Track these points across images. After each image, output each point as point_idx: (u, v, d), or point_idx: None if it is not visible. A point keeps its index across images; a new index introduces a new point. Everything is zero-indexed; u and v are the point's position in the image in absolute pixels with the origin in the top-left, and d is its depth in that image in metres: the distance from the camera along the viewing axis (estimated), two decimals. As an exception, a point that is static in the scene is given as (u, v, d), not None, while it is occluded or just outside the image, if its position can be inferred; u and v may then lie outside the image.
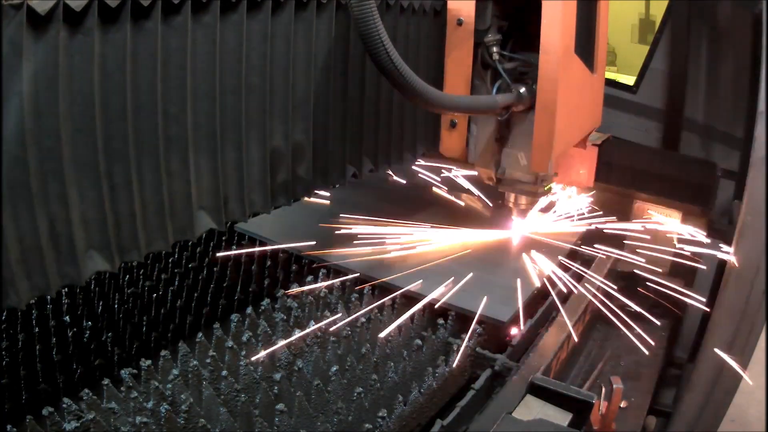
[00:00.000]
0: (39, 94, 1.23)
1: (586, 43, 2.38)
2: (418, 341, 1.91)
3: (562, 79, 2.16)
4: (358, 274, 2.29)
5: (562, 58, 2.14)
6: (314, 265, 2.40)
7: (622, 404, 2.20)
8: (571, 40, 2.20)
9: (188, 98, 1.52)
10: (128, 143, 1.42)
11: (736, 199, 3.08)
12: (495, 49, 2.30)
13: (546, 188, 2.56)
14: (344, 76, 2.03)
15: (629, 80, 4.23)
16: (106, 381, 1.58)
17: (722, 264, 2.78)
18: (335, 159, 2.09)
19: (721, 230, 2.89)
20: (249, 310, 1.98)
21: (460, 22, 2.28)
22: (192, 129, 1.56)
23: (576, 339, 2.35)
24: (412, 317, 2.04)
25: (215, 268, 2.39)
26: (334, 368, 1.71)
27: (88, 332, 1.94)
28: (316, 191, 2.06)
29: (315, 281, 2.24)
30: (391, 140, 2.33)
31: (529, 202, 2.64)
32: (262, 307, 2.05)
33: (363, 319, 2.00)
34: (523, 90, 2.25)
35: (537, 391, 1.79)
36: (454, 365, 1.91)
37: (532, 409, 1.73)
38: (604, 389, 2.10)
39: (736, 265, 2.25)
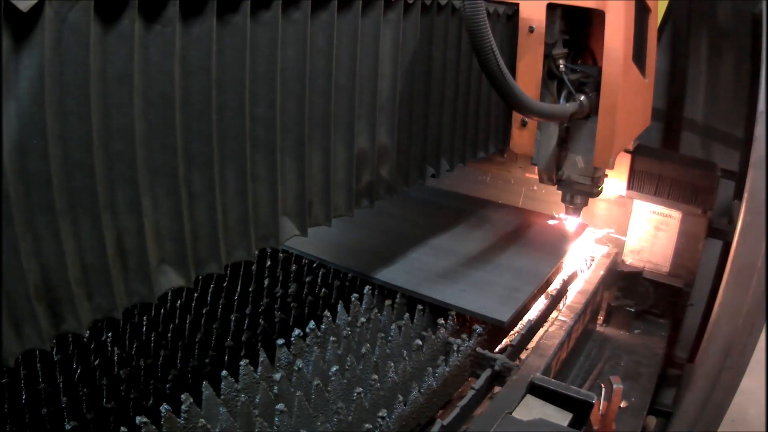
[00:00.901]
0: (108, 91, 1.11)
1: (639, 51, 2.58)
2: (418, 341, 1.91)
3: (622, 84, 2.38)
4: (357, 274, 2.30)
5: (624, 65, 2.35)
6: (314, 265, 2.40)
7: (622, 404, 2.20)
8: (630, 49, 2.40)
9: (277, 98, 1.44)
10: (211, 146, 1.31)
11: (736, 199, 3.08)
12: (562, 61, 2.49)
13: (599, 189, 2.77)
14: (427, 77, 2.04)
15: (629, 80, 4.22)
16: (105, 381, 1.58)
17: (722, 264, 2.79)
18: (416, 159, 2.11)
19: (721, 230, 2.89)
20: (249, 310, 1.98)
21: (531, 30, 2.43)
22: (279, 130, 1.48)
23: (576, 339, 2.35)
24: (412, 317, 2.04)
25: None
26: (334, 368, 1.71)
27: (88, 332, 1.93)
28: (396, 191, 2.05)
29: (315, 281, 2.24)
30: (466, 139, 2.39)
31: (583, 201, 2.83)
32: (262, 307, 2.05)
33: (363, 319, 2.00)
34: (583, 99, 2.45)
35: (537, 391, 1.78)
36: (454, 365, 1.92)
37: (532, 409, 1.73)
38: (604, 389, 2.10)
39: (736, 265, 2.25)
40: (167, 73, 1.19)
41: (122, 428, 1.48)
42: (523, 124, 2.67)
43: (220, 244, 1.40)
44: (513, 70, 2.49)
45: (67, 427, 1.45)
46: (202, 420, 1.48)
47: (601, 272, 2.66)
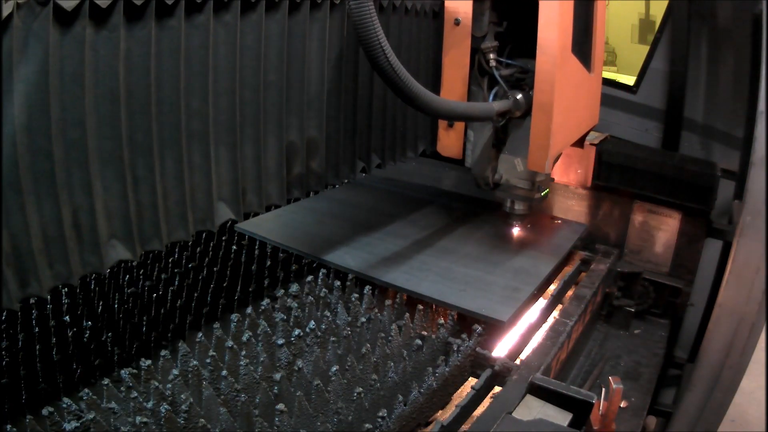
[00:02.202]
0: (65, 88, 1.27)
1: (583, 43, 2.40)
2: (418, 341, 1.91)
3: (559, 78, 2.18)
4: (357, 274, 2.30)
5: (559, 58, 2.16)
6: (314, 265, 2.40)
7: (622, 404, 2.20)
8: (567, 40, 2.22)
9: (210, 94, 1.58)
10: (152, 136, 1.47)
11: (736, 199, 3.08)
12: (492, 55, 2.33)
13: (543, 194, 2.59)
14: (355, 74, 2.10)
15: (629, 80, 4.23)
16: (106, 381, 1.58)
17: (722, 264, 2.78)
18: (346, 154, 2.17)
19: (721, 230, 2.89)
20: (249, 310, 1.98)
21: (457, 22, 2.31)
22: (213, 123, 1.62)
23: (576, 339, 2.35)
24: (412, 317, 2.04)
25: (215, 268, 2.39)
26: (334, 368, 1.71)
27: (88, 332, 1.94)
28: (328, 185, 2.12)
29: (315, 281, 2.24)
30: (396, 137, 2.40)
31: (526, 207, 2.66)
32: (262, 307, 2.05)
33: (363, 319, 2.00)
34: (519, 96, 2.28)
35: (537, 391, 1.79)
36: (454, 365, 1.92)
37: (532, 409, 1.73)
38: (604, 389, 2.10)
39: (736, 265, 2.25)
40: (114, 72, 1.35)
41: (122, 428, 1.48)
42: (450, 125, 2.51)
43: (161, 224, 1.56)
44: (440, 68, 2.39)
45: (67, 427, 1.45)
46: (202, 420, 1.48)
47: (602, 272, 2.66)
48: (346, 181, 2.28)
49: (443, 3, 2.33)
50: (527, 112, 2.29)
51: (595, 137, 2.98)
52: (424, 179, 3.48)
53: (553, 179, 2.59)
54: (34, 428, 1.44)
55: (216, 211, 1.71)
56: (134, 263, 2.32)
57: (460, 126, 2.51)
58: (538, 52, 2.15)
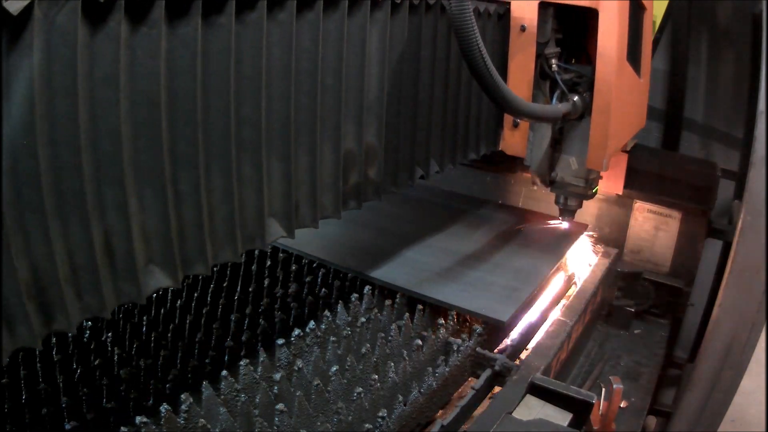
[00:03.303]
0: (95, 92, 1.12)
1: (634, 50, 2.54)
2: (418, 341, 1.91)
3: (616, 83, 2.34)
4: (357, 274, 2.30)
5: (617, 65, 2.31)
6: (314, 265, 2.40)
7: (622, 404, 2.20)
8: (624, 48, 2.36)
9: (262, 99, 1.44)
10: (197, 147, 1.31)
11: (736, 199, 3.08)
12: (554, 61, 2.45)
13: (594, 191, 2.74)
14: (415, 77, 2.02)
15: (629, 80, 4.22)
16: (105, 381, 1.58)
17: (722, 264, 2.78)
18: (405, 160, 2.09)
19: (721, 230, 2.90)
20: (249, 310, 1.98)
21: (523, 29, 2.40)
22: (266, 131, 1.48)
23: (576, 339, 2.35)
24: (412, 317, 2.04)
25: (215, 268, 2.39)
26: (334, 368, 1.71)
27: (88, 332, 1.94)
28: (384, 193, 2.03)
29: (315, 281, 2.24)
30: (456, 141, 2.37)
31: (577, 203, 2.80)
32: (262, 307, 2.05)
33: (363, 319, 2.00)
34: (576, 99, 2.42)
35: (537, 391, 1.79)
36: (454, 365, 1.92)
37: (532, 409, 1.73)
38: (604, 389, 2.10)
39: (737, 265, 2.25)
40: (153, 75, 1.19)
41: (122, 428, 1.48)
42: (515, 125, 2.62)
43: (207, 244, 1.40)
44: (504, 69, 2.47)
45: (67, 427, 1.45)
46: (202, 420, 1.48)
47: (602, 272, 2.66)
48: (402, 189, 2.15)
49: (509, 7, 2.39)
50: (582, 114, 2.45)
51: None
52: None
53: (601, 177, 2.71)
54: (34, 428, 1.44)
55: (267, 227, 1.56)
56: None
57: (525, 127, 2.62)
58: (598, 59, 2.30)
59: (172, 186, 1.29)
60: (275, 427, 1.53)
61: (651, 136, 4.03)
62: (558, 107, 2.32)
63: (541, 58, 2.44)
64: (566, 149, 2.60)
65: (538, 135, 2.62)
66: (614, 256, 2.83)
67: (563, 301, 2.53)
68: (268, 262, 2.44)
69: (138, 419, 1.47)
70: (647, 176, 2.91)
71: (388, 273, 2.30)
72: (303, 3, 1.49)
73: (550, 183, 2.72)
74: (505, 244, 2.68)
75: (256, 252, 2.51)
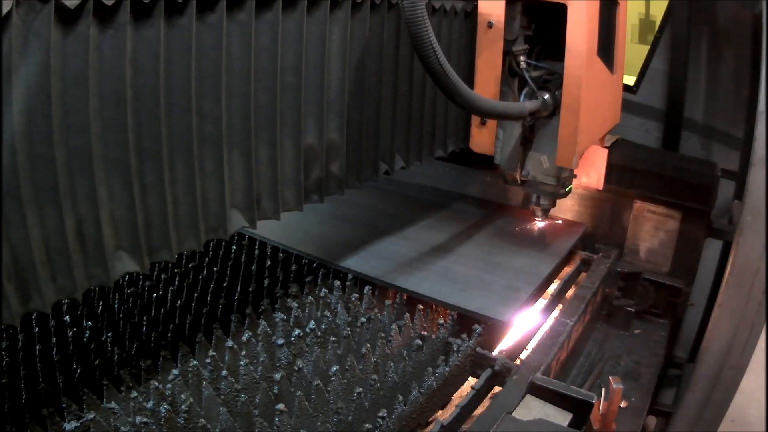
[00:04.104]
0: (67, 91, 1.21)
1: (606, 45, 2.51)
2: (418, 341, 1.91)
3: (586, 79, 2.29)
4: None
5: (586, 60, 2.27)
6: (314, 265, 2.40)
7: (622, 404, 2.20)
8: (594, 43, 2.32)
9: (223, 96, 1.51)
10: (161, 141, 1.40)
11: (736, 199, 3.08)
12: (522, 58, 2.42)
13: (567, 189, 2.71)
14: (378, 73, 2.04)
15: (629, 80, 4.23)
16: (106, 381, 1.58)
17: (722, 264, 2.78)
18: (368, 156, 2.12)
19: (721, 230, 2.90)
20: (249, 310, 1.98)
21: (490, 25, 2.37)
22: (226, 126, 1.55)
23: (576, 339, 2.35)
24: (412, 317, 2.04)
25: (215, 268, 2.39)
26: (334, 368, 1.71)
27: (88, 332, 1.94)
28: (348, 189, 2.07)
29: (315, 281, 2.24)
30: (422, 137, 2.37)
31: (550, 202, 2.77)
32: (262, 307, 2.05)
33: (363, 319, 2.00)
34: (547, 97, 2.39)
35: (537, 391, 1.79)
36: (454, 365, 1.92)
37: (532, 409, 1.73)
38: (604, 389, 2.10)
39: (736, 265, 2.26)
40: (119, 74, 1.29)
41: (122, 428, 1.48)
42: (483, 123, 2.60)
43: (171, 233, 1.49)
44: (473, 67, 2.45)
45: (67, 427, 1.45)
46: (202, 420, 1.48)
47: (602, 272, 2.66)
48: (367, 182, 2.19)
49: (476, 5, 2.37)
50: (553, 111, 2.42)
51: (606, 140, 2.99)
52: (425, 179, 3.48)
53: (575, 176, 2.67)
54: (34, 428, 1.44)
55: (229, 218, 1.64)
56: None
57: (492, 124, 2.60)
58: (566, 55, 2.26)
59: (139, 178, 1.39)
60: (275, 427, 1.53)
61: (651, 136, 4.03)
62: (523, 105, 2.29)
63: (509, 55, 2.41)
64: (537, 147, 2.57)
65: (508, 133, 2.59)
66: (614, 256, 2.84)
67: (563, 302, 2.53)
68: (268, 262, 2.44)
69: (138, 419, 1.47)
70: (647, 176, 2.91)
71: (388, 273, 2.30)
72: (262, 3, 1.55)
73: (522, 182, 2.69)
74: (505, 244, 2.68)
75: (257, 252, 2.51)
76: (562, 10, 2.21)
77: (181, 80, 1.41)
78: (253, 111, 1.61)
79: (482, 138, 2.63)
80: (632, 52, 6.09)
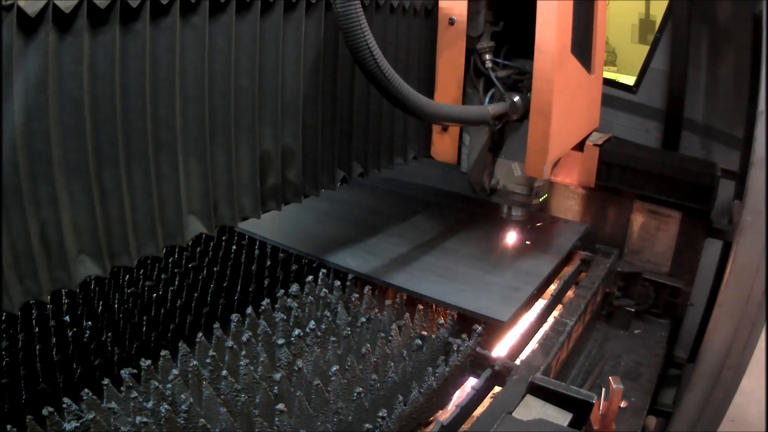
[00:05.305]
0: (29, 97, 1.22)
1: (583, 43, 2.31)
2: (418, 341, 1.91)
3: (558, 79, 2.10)
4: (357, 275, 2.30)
5: (558, 58, 2.08)
6: (314, 265, 2.40)
7: (622, 404, 2.20)
8: (567, 40, 2.14)
9: (177, 101, 1.51)
10: (118, 147, 1.41)
11: (736, 199, 3.08)
12: (488, 56, 2.23)
13: (541, 199, 2.51)
14: (333, 78, 1.99)
15: (629, 80, 4.23)
16: (106, 381, 1.58)
17: (722, 264, 2.78)
18: (325, 163, 2.07)
19: (721, 230, 2.89)
20: (249, 310, 1.98)
21: (451, 22, 2.21)
22: (181, 132, 1.55)
23: (576, 339, 2.35)
24: (412, 317, 2.04)
25: (215, 268, 2.39)
26: (334, 368, 1.71)
27: (88, 332, 1.94)
28: (305, 196, 2.04)
29: (315, 281, 2.23)
30: (381, 144, 2.29)
31: (524, 213, 2.59)
32: (262, 307, 2.05)
33: (363, 319, 2.00)
34: (516, 99, 2.20)
35: (537, 391, 1.79)
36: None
37: (532, 409, 1.73)
38: (604, 389, 2.10)
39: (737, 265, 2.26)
40: (77, 79, 1.30)
41: (122, 428, 1.48)
42: (444, 129, 2.40)
43: (130, 239, 1.50)
44: (434, 68, 2.30)
45: (67, 427, 1.45)
46: (202, 420, 1.48)
47: (602, 272, 2.66)
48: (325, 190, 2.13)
49: (437, 2, 2.23)
50: (525, 115, 2.21)
51: (598, 138, 2.97)
52: (425, 179, 3.48)
53: (552, 183, 2.51)
54: (35, 428, 1.44)
55: (186, 225, 1.63)
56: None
57: (455, 130, 2.42)
58: (536, 52, 2.07)
59: (98, 183, 1.40)
60: (275, 427, 1.53)
61: (651, 136, 4.03)
62: (486, 108, 2.09)
63: (473, 53, 2.23)
64: (507, 154, 2.36)
65: (475, 138, 2.39)
66: (614, 256, 2.84)
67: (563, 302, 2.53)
68: (268, 262, 2.44)
69: (138, 419, 1.47)
70: (647, 176, 2.90)
71: (388, 273, 2.30)
72: (216, 6, 1.54)
73: (491, 190, 2.49)
74: (505, 244, 2.68)
75: (257, 252, 2.52)
76: (532, 2, 2.04)
77: (136, 85, 1.42)
78: (208, 116, 1.60)
79: (444, 146, 2.44)
80: (632, 52, 6.12)
